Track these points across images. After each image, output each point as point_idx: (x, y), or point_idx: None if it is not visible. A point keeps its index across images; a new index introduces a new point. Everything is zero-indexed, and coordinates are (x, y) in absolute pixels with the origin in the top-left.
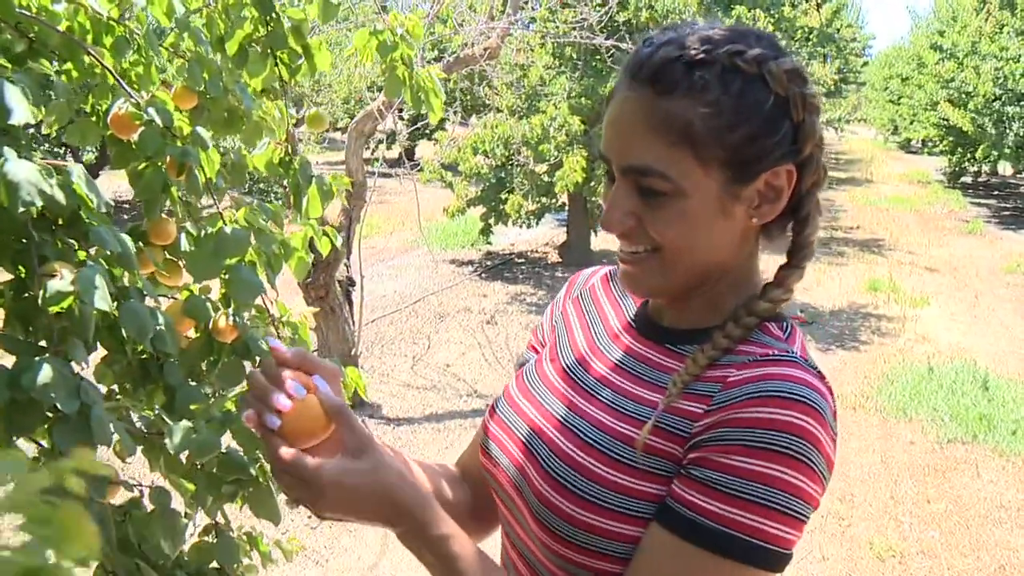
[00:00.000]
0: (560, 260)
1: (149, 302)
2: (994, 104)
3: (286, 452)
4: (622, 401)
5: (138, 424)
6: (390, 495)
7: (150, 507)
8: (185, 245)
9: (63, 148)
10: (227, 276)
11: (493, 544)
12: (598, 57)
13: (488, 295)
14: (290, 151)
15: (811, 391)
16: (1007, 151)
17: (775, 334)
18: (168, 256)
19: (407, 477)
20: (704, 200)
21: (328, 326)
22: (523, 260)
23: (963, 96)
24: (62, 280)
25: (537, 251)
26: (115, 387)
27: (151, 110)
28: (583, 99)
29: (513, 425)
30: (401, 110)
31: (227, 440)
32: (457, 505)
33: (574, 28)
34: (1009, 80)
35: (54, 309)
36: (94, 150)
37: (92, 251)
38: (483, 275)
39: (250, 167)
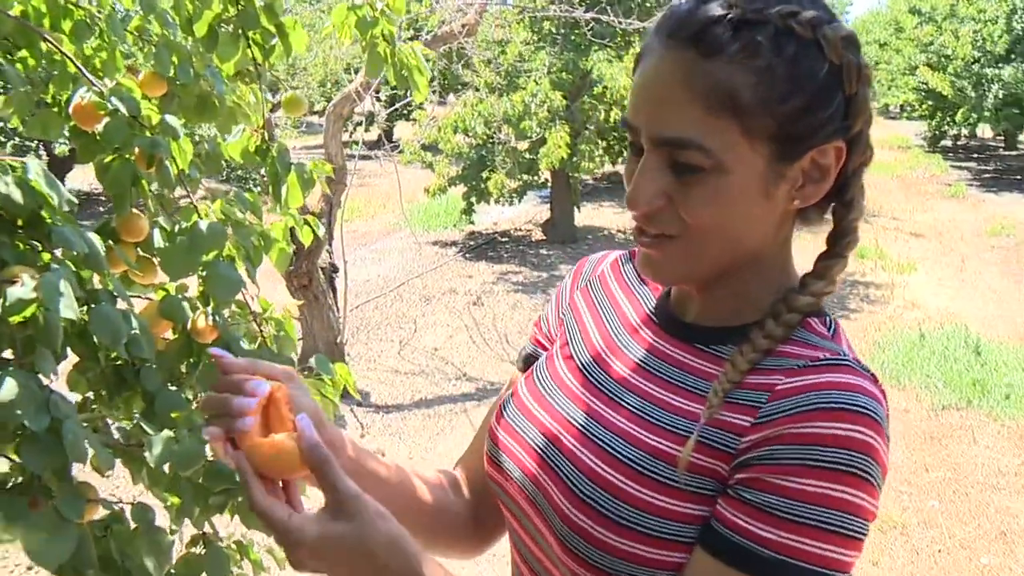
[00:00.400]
0: (544, 238)
1: (121, 304)
2: (973, 67)
3: (260, 499)
4: (653, 410)
5: (116, 435)
6: (372, 559)
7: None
8: (159, 241)
9: (36, 142)
10: (204, 273)
11: (493, 548)
12: (577, 31)
13: (473, 276)
14: (267, 138)
15: (869, 399)
16: (987, 114)
17: (819, 331)
18: (141, 253)
19: (395, 539)
20: (746, 178)
21: (312, 315)
22: (507, 239)
23: (942, 60)
24: (23, 287)
25: (520, 229)
26: (90, 395)
27: (115, 99)
28: (564, 74)
29: (525, 433)
30: (378, 91)
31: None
32: (457, 516)
33: (552, 1)
34: (987, 42)
35: (16, 319)
36: (67, 142)
37: (57, 253)
38: (467, 255)
39: (225, 156)
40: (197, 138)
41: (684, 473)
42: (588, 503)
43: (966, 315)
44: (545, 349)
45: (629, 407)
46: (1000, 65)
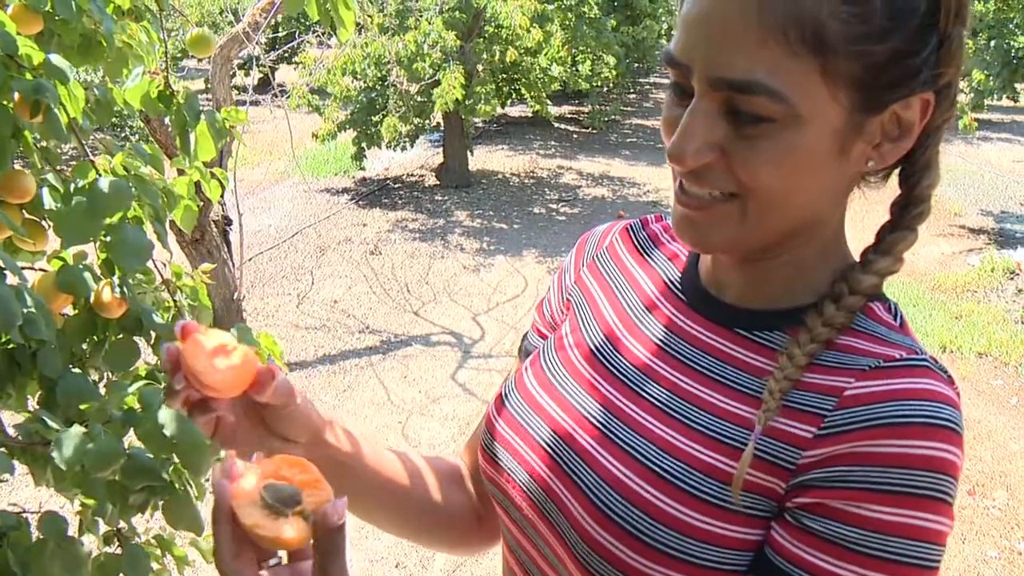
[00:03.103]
0: (438, 183)
1: (11, 279)
2: None
3: (228, 561)
4: (685, 408)
5: (14, 432)
6: None
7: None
8: (49, 202)
9: None
10: (108, 238)
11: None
12: None
13: (368, 224)
14: (169, 83)
15: (951, 409)
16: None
17: (886, 321)
18: (27, 216)
19: None
20: (821, 132)
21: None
22: (400, 185)
23: None
24: None
25: (413, 175)
26: None
27: None
28: (457, 13)
29: (531, 427)
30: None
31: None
32: (462, 513)
33: None
34: None
35: None
36: None
37: None
38: (360, 203)
39: (120, 103)
40: (84, 83)
41: (739, 492)
42: (614, 520)
43: (857, 252)
44: (547, 338)
45: (651, 399)
46: None
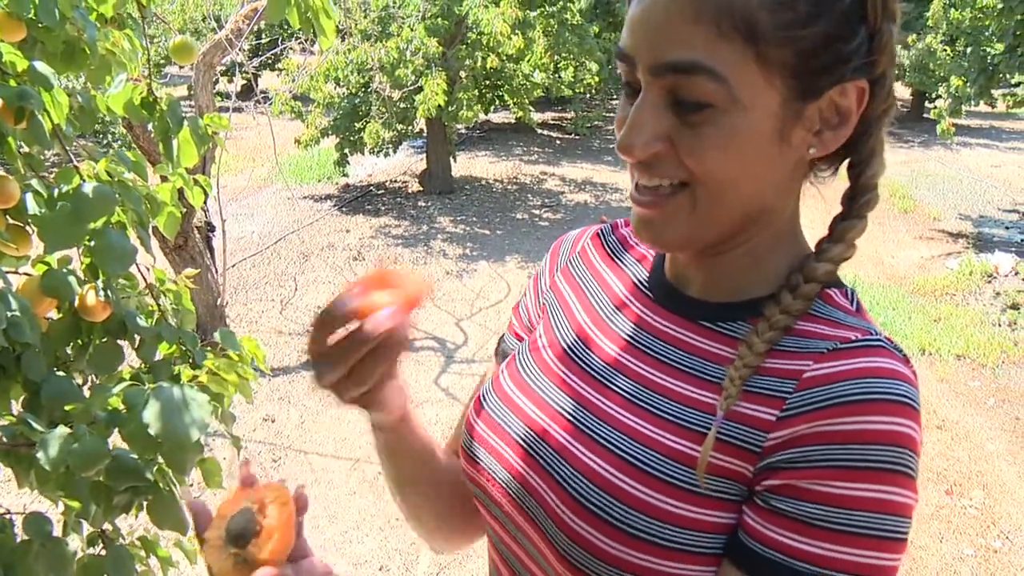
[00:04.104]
0: (421, 189)
1: None
2: None
3: None
4: (654, 398)
5: None
6: None
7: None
8: (33, 207)
9: None
10: (92, 242)
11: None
12: None
13: (351, 230)
14: (152, 90)
15: (907, 386)
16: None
17: (843, 305)
18: (11, 222)
19: None
20: (762, 117)
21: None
22: (383, 191)
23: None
24: None
25: (396, 181)
26: None
27: None
28: (440, 19)
29: (508, 425)
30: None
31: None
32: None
33: None
34: None
35: None
36: None
37: None
38: (343, 209)
39: (103, 110)
40: (68, 90)
41: (703, 476)
42: (590, 509)
43: None
44: (524, 340)
45: (621, 391)
46: None
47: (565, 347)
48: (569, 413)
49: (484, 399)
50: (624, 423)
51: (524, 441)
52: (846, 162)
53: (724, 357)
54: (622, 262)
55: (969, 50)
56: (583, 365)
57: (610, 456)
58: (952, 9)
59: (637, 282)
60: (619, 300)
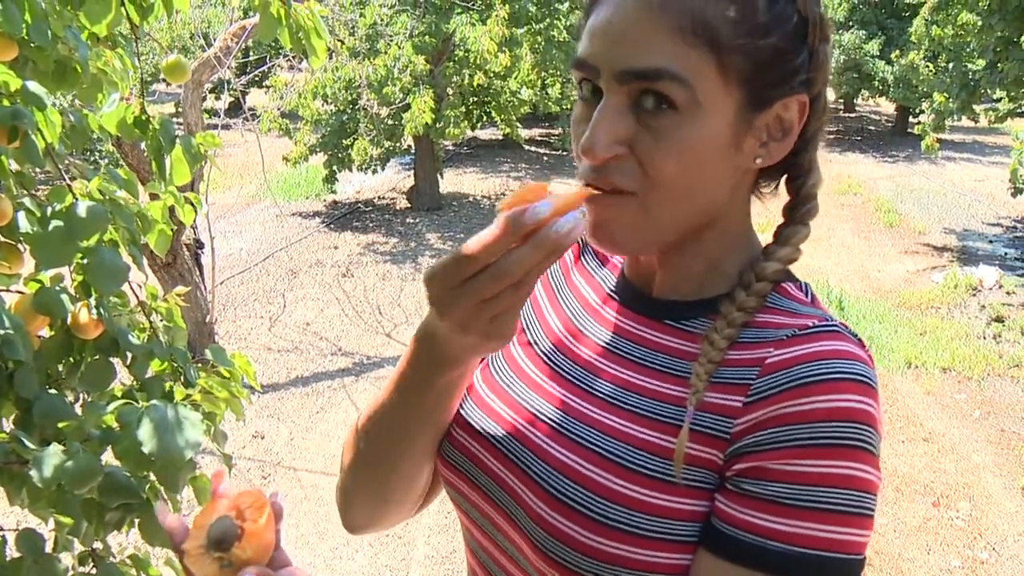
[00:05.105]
0: (409, 205)
1: None
2: None
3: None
4: (629, 396)
5: None
6: None
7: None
8: (25, 225)
9: None
10: (85, 260)
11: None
12: None
13: (339, 246)
14: (144, 108)
15: (864, 366)
16: (829, 77)
17: (798, 297)
18: (3, 240)
19: None
20: (718, 124)
21: None
22: (371, 208)
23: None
24: None
25: (384, 197)
26: None
27: None
28: (427, 37)
29: (484, 429)
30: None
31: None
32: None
33: None
34: (829, 9)
35: None
36: None
37: None
38: (331, 226)
39: (95, 129)
40: (59, 108)
41: (679, 466)
42: (571, 505)
43: (826, 271)
44: None
45: (601, 395)
46: (840, 31)
47: (540, 353)
48: (546, 415)
49: (460, 404)
50: (600, 422)
51: (501, 443)
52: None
53: (690, 353)
54: (597, 274)
55: (951, 66)
56: (560, 370)
57: (585, 452)
58: (934, 26)
59: (606, 286)
60: (591, 306)
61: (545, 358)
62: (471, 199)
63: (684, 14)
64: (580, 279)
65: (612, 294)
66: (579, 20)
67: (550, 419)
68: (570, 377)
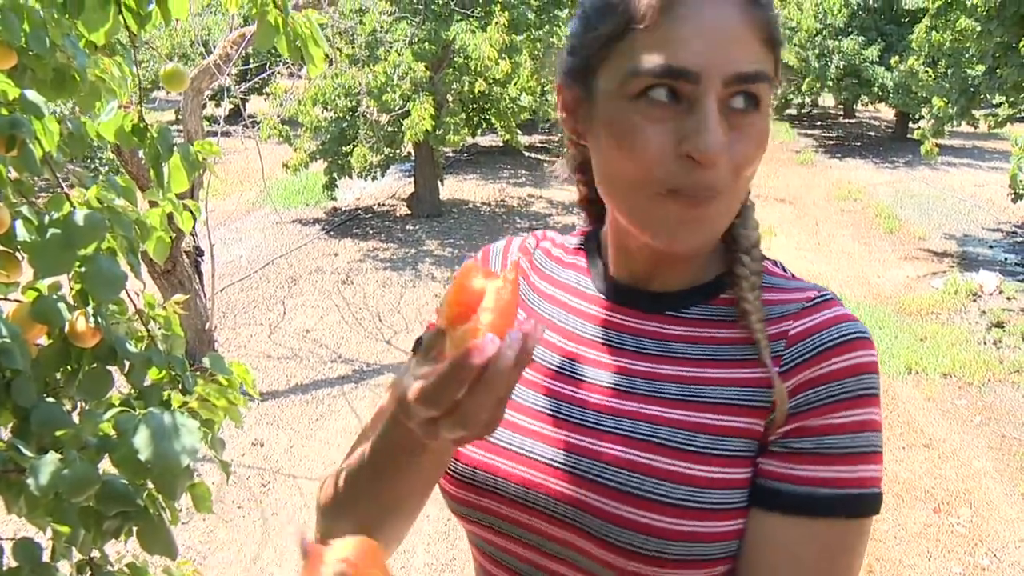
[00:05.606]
0: (410, 212)
1: None
2: (816, 38)
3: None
4: (651, 385)
5: None
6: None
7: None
8: (23, 234)
9: None
10: (83, 269)
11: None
12: (438, 1)
13: (339, 253)
14: (143, 116)
15: (859, 323)
16: (829, 83)
17: (780, 273)
18: (2, 248)
19: None
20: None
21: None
22: (371, 215)
23: (787, 31)
24: None
25: (384, 204)
26: None
27: None
28: (427, 44)
29: (520, 447)
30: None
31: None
32: None
33: None
34: (828, 15)
35: None
36: None
37: None
38: (331, 233)
39: (93, 137)
40: (57, 116)
41: (731, 439)
42: (638, 495)
43: (827, 277)
44: None
45: (630, 390)
46: (839, 37)
47: (549, 365)
48: (585, 422)
49: None
50: (640, 413)
51: (540, 457)
52: None
53: (698, 337)
54: (557, 275)
55: (951, 72)
56: (582, 377)
57: (644, 444)
58: (933, 32)
59: (586, 290)
60: (583, 312)
61: (556, 369)
62: (471, 205)
63: (765, 21)
64: (547, 285)
65: (597, 294)
66: (614, 32)
67: (590, 422)
68: (595, 381)
